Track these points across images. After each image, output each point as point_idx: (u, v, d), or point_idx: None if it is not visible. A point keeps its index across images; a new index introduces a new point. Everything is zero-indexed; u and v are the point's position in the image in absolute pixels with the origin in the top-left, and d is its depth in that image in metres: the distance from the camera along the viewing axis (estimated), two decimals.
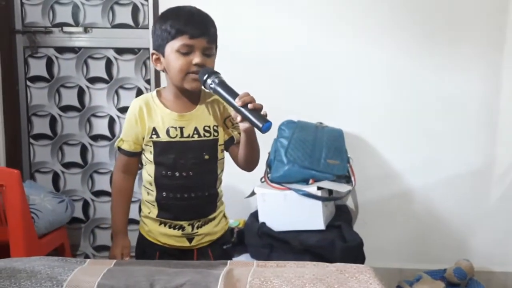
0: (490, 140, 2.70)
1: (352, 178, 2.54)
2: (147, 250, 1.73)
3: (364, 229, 2.58)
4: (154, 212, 1.70)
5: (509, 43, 2.62)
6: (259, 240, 2.31)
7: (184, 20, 1.60)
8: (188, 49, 1.58)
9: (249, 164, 1.70)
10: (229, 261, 1.50)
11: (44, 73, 2.97)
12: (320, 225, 2.31)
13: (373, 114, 2.72)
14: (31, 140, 3.03)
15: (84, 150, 3.01)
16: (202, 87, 1.62)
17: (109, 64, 2.94)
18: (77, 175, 3.03)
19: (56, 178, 3.04)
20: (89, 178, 3.03)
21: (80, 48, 2.94)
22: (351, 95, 2.71)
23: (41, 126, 3.01)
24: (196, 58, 1.58)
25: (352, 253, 2.23)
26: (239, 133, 1.64)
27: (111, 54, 2.92)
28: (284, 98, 2.72)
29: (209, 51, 1.62)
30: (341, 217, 2.51)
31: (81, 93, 2.97)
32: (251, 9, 2.72)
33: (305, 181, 2.38)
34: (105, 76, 2.95)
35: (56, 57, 2.95)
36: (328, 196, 2.40)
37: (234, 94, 1.52)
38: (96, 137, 3.00)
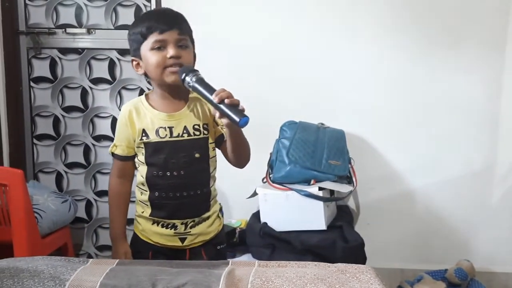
0: (491, 141, 2.70)
1: (354, 179, 2.54)
2: (140, 250, 1.75)
3: (365, 230, 2.59)
4: (148, 211, 1.72)
5: (510, 44, 2.62)
6: (261, 240, 2.32)
7: (152, 19, 1.64)
8: (160, 43, 1.60)
9: (238, 159, 1.71)
10: (230, 261, 1.51)
11: (48, 74, 2.98)
12: (321, 225, 2.31)
13: (374, 115, 2.72)
14: (35, 141, 3.04)
15: (87, 151, 3.03)
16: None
17: (112, 65, 2.95)
18: (80, 175, 3.05)
19: (59, 178, 3.06)
20: (92, 178, 3.04)
21: (83, 49, 2.95)
22: (352, 96, 2.72)
23: (44, 126, 3.02)
24: (170, 51, 1.60)
25: (353, 253, 2.23)
26: None
27: (114, 55, 2.94)
28: (285, 99, 2.74)
29: (183, 42, 1.63)
30: (343, 217, 2.51)
31: (84, 94, 2.99)
32: (253, 11, 2.73)
33: (307, 182, 2.39)
34: (108, 77, 2.96)
35: (60, 58, 2.97)
36: (330, 197, 2.41)
37: (212, 91, 1.53)
38: (99, 138, 3.01)
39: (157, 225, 1.71)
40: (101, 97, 2.98)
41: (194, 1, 2.72)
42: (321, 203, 2.30)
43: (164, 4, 2.73)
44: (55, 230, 2.62)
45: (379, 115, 2.72)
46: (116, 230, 1.77)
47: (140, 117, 1.68)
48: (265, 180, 2.47)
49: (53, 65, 2.98)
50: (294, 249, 2.24)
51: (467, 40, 2.65)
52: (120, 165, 1.74)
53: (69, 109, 3.00)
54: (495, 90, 2.67)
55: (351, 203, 2.79)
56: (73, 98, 2.99)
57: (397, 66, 2.69)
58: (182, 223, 1.70)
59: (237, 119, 1.47)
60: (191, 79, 1.56)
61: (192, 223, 1.71)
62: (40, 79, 2.99)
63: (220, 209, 2.44)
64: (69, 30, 2.93)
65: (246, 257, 2.37)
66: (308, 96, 2.73)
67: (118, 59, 2.93)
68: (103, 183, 3.02)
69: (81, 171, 3.04)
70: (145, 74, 1.69)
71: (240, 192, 2.56)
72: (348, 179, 2.54)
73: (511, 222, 2.73)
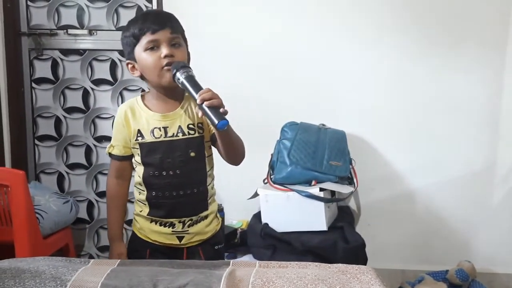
0: (492, 141, 2.70)
1: (355, 180, 2.55)
2: (138, 248, 1.76)
3: (366, 230, 2.59)
4: (146, 210, 1.73)
5: (511, 45, 2.62)
6: (262, 241, 2.32)
7: (142, 20, 1.65)
8: (153, 44, 1.61)
9: (232, 157, 1.71)
10: (231, 261, 1.51)
11: (49, 75, 2.99)
12: (322, 226, 2.32)
13: (375, 116, 2.73)
14: (36, 141, 3.05)
15: (88, 151, 3.03)
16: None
17: (113, 66, 2.96)
18: (82, 176, 3.05)
19: (61, 179, 3.06)
20: (93, 179, 3.05)
21: (85, 50, 2.96)
22: (353, 97, 2.72)
23: (46, 127, 3.03)
24: (164, 50, 1.61)
25: (354, 254, 2.24)
26: None
27: (116, 56, 2.94)
28: (286, 99, 2.74)
29: (176, 40, 1.64)
30: (344, 218, 2.51)
31: (85, 95, 2.99)
32: (253, 12, 2.73)
33: (308, 183, 2.40)
34: (110, 78, 2.97)
35: (61, 59, 2.97)
36: (331, 198, 2.41)
37: (198, 90, 1.54)
38: (100, 139, 3.02)
39: (155, 223, 1.73)
40: (103, 98, 2.98)
41: (195, 2, 2.72)
42: (322, 204, 2.31)
43: (165, 5, 2.74)
44: (57, 230, 2.62)
45: (380, 115, 2.72)
46: (112, 231, 1.79)
47: (135, 118, 1.69)
48: (266, 181, 2.47)
49: (54, 66, 2.98)
50: (295, 250, 2.24)
51: (467, 40, 2.65)
52: (118, 166, 1.76)
53: (71, 110, 3.01)
54: (495, 90, 2.67)
55: (352, 203, 2.79)
56: (74, 99, 3.00)
57: (397, 66, 2.69)
58: (180, 222, 1.71)
59: (215, 121, 1.48)
60: (181, 75, 1.57)
61: (190, 221, 1.72)
62: (41, 80, 3.00)
63: (221, 210, 2.45)
64: (70, 31, 2.94)
65: (247, 258, 2.38)
66: (309, 97, 2.73)
67: (120, 60, 2.94)
68: (104, 184, 3.00)
69: (83, 171, 3.05)
70: (141, 76, 1.69)
71: (241, 193, 2.57)
72: (349, 180, 2.54)
73: None
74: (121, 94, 2.97)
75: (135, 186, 1.76)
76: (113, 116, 2.98)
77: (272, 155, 2.53)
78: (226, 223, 2.57)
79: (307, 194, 2.30)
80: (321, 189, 2.33)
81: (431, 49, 2.66)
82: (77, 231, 3.01)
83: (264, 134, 2.62)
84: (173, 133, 1.67)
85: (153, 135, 1.67)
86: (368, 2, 2.67)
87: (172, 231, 1.72)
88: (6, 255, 1.68)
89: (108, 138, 2.99)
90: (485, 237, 2.75)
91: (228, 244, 2.48)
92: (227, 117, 1.50)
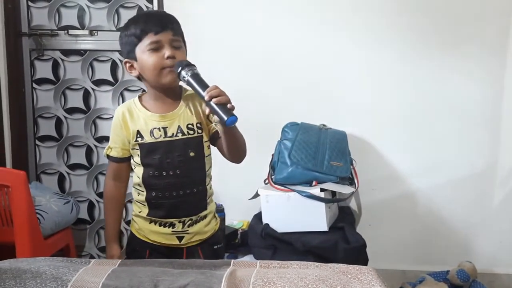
0: (493, 142, 2.70)
1: (355, 180, 2.55)
2: (137, 248, 1.76)
3: (367, 231, 2.59)
4: (145, 211, 1.73)
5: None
6: (263, 241, 2.32)
7: (145, 21, 1.65)
8: (156, 45, 1.62)
9: (235, 155, 1.71)
10: (232, 262, 1.51)
11: (50, 76, 3.00)
12: (323, 226, 2.32)
13: (376, 116, 2.73)
14: (37, 142, 3.05)
15: (89, 152, 3.04)
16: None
17: (114, 67, 2.96)
18: (83, 177, 3.06)
19: (61, 179, 3.07)
20: (94, 179, 3.05)
21: (85, 50, 2.96)
22: (354, 98, 2.72)
23: (47, 128, 3.04)
24: (167, 51, 1.61)
25: (355, 254, 2.24)
26: None
27: (116, 56, 2.95)
28: (287, 100, 2.74)
29: (177, 43, 1.65)
30: (344, 218, 2.51)
31: (86, 95, 3.00)
32: (255, 13, 2.73)
33: (309, 183, 2.40)
34: (110, 79, 2.97)
35: (62, 60, 2.98)
36: (331, 198, 2.41)
37: (205, 87, 1.54)
38: (101, 139, 3.02)
39: (155, 224, 1.73)
40: (103, 98, 2.99)
41: (195, 2, 2.72)
42: (322, 204, 2.31)
43: (166, 6, 2.74)
44: (57, 231, 2.62)
45: (381, 116, 2.72)
46: (108, 233, 1.81)
47: (133, 119, 1.69)
48: (267, 181, 2.47)
49: (55, 67, 2.99)
50: (295, 250, 2.24)
51: (469, 42, 2.65)
52: (116, 167, 1.76)
53: (72, 111, 3.01)
54: (496, 91, 2.67)
55: (352, 204, 2.79)
56: (75, 99, 3.00)
57: (398, 67, 2.69)
58: (179, 222, 1.71)
59: (224, 117, 1.49)
60: (186, 73, 1.57)
61: (189, 221, 1.72)
62: (42, 81, 3.00)
63: (222, 210, 2.45)
64: (71, 31, 2.94)
65: (248, 258, 2.37)
66: (310, 97, 2.74)
67: (120, 61, 2.94)
68: None
69: (83, 172, 3.05)
70: (139, 76, 1.70)
71: (242, 193, 2.57)
72: (349, 180, 2.54)
73: None
74: (121, 94, 2.98)
75: (133, 187, 1.75)
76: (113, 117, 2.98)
77: (273, 155, 2.53)
78: (227, 223, 2.57)
79: (307, 195, 2.30)
80: (321, 190, 2.33)
81: (432, 50, 2.66)
82: (78, 231, 3.02)
83: (265, 134, 2.62)
84: (173, 133, 1.68)
85: (153, 136, 1.67)
86: (369, 4, 2.67)
87: (172, 231, 1.72)
88: (6, 255, 1.68)
89: (109, 139, 2.98)
90: (486, 237, 2.75)
91: (229, 244, 2.48)
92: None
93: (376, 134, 2.74)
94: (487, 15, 2.63)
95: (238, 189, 2.64)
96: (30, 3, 2.94)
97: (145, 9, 2.89)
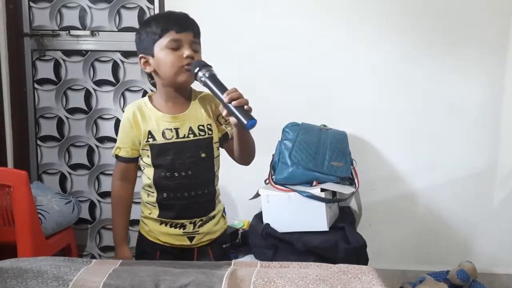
0: (493, 142, 2.70)
1: (356, 180, 2.55)
2: (147, 250, 1.75)
3: (367, 231, 2.59)
4: (155, 212, 1.72)
5: (511, 46, 2.63)
6: (263, 241, 2.32)
7: (167, 19, 1.66)
8: (176, 44, 1.62)
9: (245, 157, 1.72)
10: (233, 261, 1.52)
11: (52, 76, 3.00)
12: (323, 226, 2.32)
13: (376, 116, 2.73)
14: (39, 142, 3.06)
15: (90, 152, 3.04)
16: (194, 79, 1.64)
17: (115, 67, 2.97)
18: (84, 177, 3.06)
19: (63, 179, 3.07)
20: (95, 179, 3.06)
21: (87, 51, 2.97)
22: (354, 98, 2.73)
23: (48, 128, 3.04)
24: (186, 51, 1.61)
25: (355, 254, 2.24)
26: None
27: (118, 57, 2.95)
28: (288, 100, 2.75)
29: (196, 46, 1.65)
30: (345, 218, 2.52)
31: (88, 96, 3.00)
32: (255, 13, 2.74)
33: (309, 183, 2.40)
34: (112, 79, 2.98)
35: (64, 60, 2.98)
36: (332, 198, 2.42)
37: (223, 89, 1.54)
38: (102, 139, 3.03)
39: (165, 225, 1.72)
40: (105, 98, 2.99)
41: (196, 2, 2.73)
42: (323, 205, 2.31)
43: (167, 6, 2.75)
44: (59, 231, 2.63)
45: (381, 116, 2.73)
46: (118, 235, 1.78)
47: (145, 119, 1.68)
48: (267, 181, 2.48)
49: (57, 67, 2.99)
50: (296, 250, 2.24)
51: (468, 42, 2.65)
52: (124, 168, 1.74)
53: (73, 111, 3.02)
54: (496, 91, 2.68)
55: (353, 204, 2.79)
56: (76, 99, 3.01)
57: (398, 68, 2.70)
58: (190, 223, 1.71)
59: (244, 121, 1.49)
60: (203, 74, 1.57)
61: (200, 222, 1.72)
62: (44, 81, 3.01)
63: (223, 209, 2.45)
64: (73, 32, 2.95)
65: (249, 258, 2.38)
66: (310, 97, 2.74)
67: (122, 61, 2.95)
68: (107, 184, 3.04)
69: (85, 172, 3.06)
70: (151, 73, 1.69)
71: (243, 193, 2.58)
72: (350, 180, 2.55)
73: None
74: (123, 95, 2.98)
75: (143, 188, 1.74)
76: (115, 117, 2.99)
77: (273, 155, 2.53)
78: (227, 223, 2.57)
79: (308, 195, 2.31)
80: (322, 190, 2.33)
81: (432, 50, 2.66)
82: (79, 231, 3.02)
83: (266, 134, 2.60)
84: (184, 134, 1.67)
85: (165, 137, 1.66)
86: (369, 4, 2.67)
87: (183, 232, 1.71)
88: (8, 255, 1.68)
89: (110, 139, 3.00)
90: (486, 237, 2.76)
91: (230, 244, 2.48)
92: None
93: (376, 134, 2.75)
94: (487, 15, 2.64)
95: (239, 189, 2.65)
96: (31, 4, 2.95)
97: (146, 10, 2.89)
